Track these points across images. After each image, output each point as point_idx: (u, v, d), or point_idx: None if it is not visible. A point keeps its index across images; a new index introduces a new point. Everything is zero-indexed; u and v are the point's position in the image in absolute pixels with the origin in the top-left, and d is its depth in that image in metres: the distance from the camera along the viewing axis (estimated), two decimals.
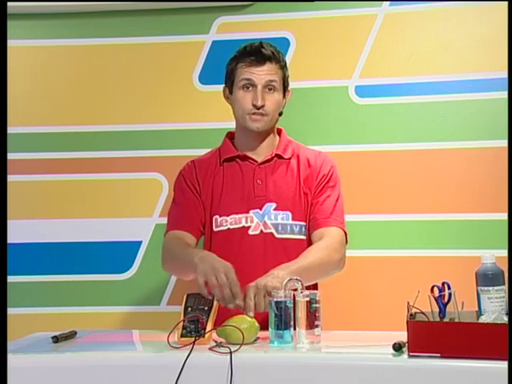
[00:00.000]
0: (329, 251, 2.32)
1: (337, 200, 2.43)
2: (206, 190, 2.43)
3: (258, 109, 2.35)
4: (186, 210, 2.42)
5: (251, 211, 2.39)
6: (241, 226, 2.39)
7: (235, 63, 2.40)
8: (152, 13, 3.12)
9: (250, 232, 2.37)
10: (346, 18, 3.05)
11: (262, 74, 2.36)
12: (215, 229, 2.40)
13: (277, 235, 2.38)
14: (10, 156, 2.79)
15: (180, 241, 2.36)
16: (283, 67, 2.41)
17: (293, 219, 2.38)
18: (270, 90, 2.37)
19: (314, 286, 2.37)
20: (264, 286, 2.06)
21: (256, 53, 2.37)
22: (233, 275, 2.07)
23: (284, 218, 2.39)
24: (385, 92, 3.01)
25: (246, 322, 1.98)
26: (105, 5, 3.07)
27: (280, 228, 2.39)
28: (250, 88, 2.37)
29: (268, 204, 2.39)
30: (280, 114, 2.43)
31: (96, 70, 3.15)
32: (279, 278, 2.08)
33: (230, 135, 2.51)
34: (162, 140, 3.10)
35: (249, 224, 2.38)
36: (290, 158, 2.45)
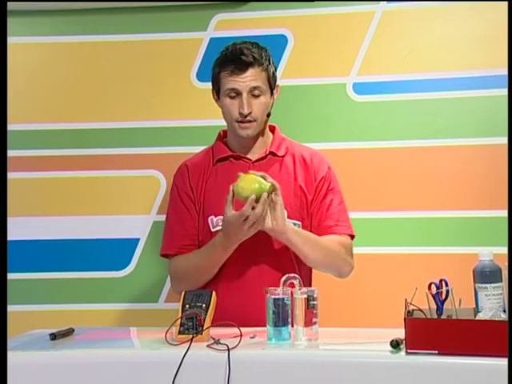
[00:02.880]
0: (340, 249, 2.40)
1: (340, 203, 2.45)
2: (200, 193, 2.43)
3: (245, 116, 2.35)
4: (183, 232, 2.43)
5: None
6: None
7: (218, 70, 2.39)
8: (150, 10, 3.11)
9: None
10: (344, 16, 3.05)
11: (246, 80, 2.34)
12: (213, 229, 2.39)
13: None
14: (9, 153, 2.78)
15: (183, 259, 2.42)
16: (267, 68, 2.39)
17: (288, 217, 2.35)
18: (255, 95, 2.36)
19: (308, 281, 2.38)
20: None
21: (237, 60, 2.35)
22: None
23: None
24: (383, 89, 3.01)
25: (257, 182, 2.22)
26: (103, 2, 3.07)
27: None
28: (236, 96, 2.36)
29: None
30: (268, 115, 2.43)
31: (94, 67, 3.15)
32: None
33: (223, 133, 2.51)
34: (159, 137, 3.09)
35: None
36: (283, 156, 2.45)
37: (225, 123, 2.46)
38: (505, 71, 2.84)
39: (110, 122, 3.11)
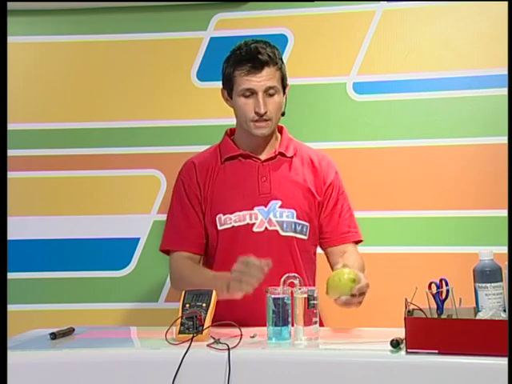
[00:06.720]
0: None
1: (349, 208, 2.47)
2: (207, 191, 2.41)
3: (261, 116, 2.34)
4: (188, 228, 2.41)
5: (255, 208, 2.38)
6: (245, 223, 2.37)
7: (232, 69, 2.37)
8: (150, 9, 3.11)
9: (255, 229, 2.36)
10: (344, 15, 3.05)
11: (262, 80, 2.34)
12: (220, 227, 2.39)
13: (282, 233, 2.37)
14: (9, 153, 2.78)
15: (188, 263, 2.39)
16: (281, 67, 2.39)
17: (297, 218, 2.37)
18: (270, 95, 2.35)
19: (312, 283, 2.38)
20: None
21: (253, 59, 2.34)
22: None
23: (289, 215, 2.38)
24: (383, 89, 3.01)
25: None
26: (103, 2, 3.07)
27: (285, 226, 2.38)
28: (250, 95, 2.35)
29: (273, 201, 2.38)
30: (283, 114, 2.43)
31: (94, 67, 3.15)
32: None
33: (230, 132, 2.50)
34: (160, 137, 3.09)
35: (253, 221, 2.37)
36: (292, 157, 2.45)
37: (226, 122, 2.46)
38: (505, 70, 2.84)
39: (110, 121, 3.11)
